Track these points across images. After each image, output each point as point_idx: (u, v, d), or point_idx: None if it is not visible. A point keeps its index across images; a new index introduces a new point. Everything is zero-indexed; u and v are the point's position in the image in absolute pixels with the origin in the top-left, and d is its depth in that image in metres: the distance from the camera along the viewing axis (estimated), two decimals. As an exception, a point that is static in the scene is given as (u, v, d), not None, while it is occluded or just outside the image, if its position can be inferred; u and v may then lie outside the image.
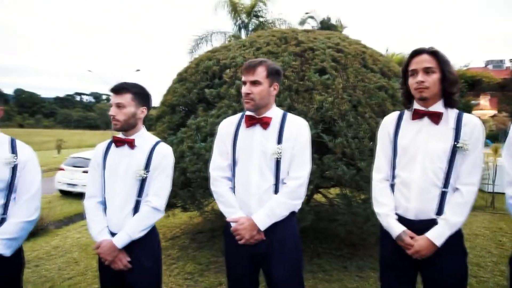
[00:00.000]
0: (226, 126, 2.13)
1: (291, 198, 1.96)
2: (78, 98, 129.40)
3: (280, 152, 1.95)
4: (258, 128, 2.02)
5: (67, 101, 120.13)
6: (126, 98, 1.97)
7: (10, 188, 1.89)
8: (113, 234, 2.00)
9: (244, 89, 1.97)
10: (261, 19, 16.17)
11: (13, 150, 1.93)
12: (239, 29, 16.18)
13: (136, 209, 2.00)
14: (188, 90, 4.32)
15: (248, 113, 2.06)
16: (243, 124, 2.07)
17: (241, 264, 2.06)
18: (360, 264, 4.21)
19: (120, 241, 1.93)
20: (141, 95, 2.03)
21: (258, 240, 1.95)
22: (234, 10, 16.08)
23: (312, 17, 19.34)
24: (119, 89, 1.97)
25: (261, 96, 1.97)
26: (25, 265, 2.08)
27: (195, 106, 4.28)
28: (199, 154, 3.74)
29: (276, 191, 1.99)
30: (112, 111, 1.96)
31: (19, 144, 1.98)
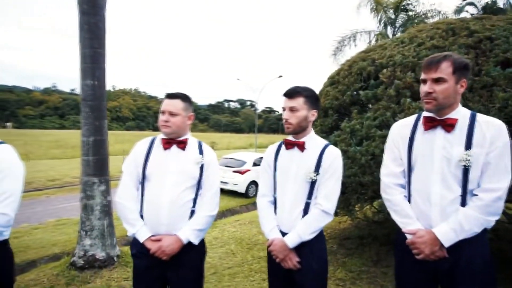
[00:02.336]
0: (400, 129, 1.97)
1: (485, 213, 1.67)
2: (226, 104, 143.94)
3: (469, 159, 1.69)
4: (439, 131, 1.80)
5: (217, 108, 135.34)
6: (299, 102, 2.01)
7: (199, 184, 2.15)
8: (282, 233, 2.07)
9: (425, 88, 1.78)
10: (410, 13, 14.86)
11: (201, 151, 2.20)
12: (385, 26, 15.24)
13: (305, 211, 2.03)
14: (341, 92, 4.25)
15: (426, 114, 1.86)
16: (420, 127, 1.87)
17: (416, 279, 1.87)
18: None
19: (291, 241, 1.99)
20: (312, 98, 2.05)
21: (439, 257, 1.73)
22: (378, 7, 15.23)
23: (471, 4, 16.81)
24: (292, 93, 2.02)
25: (446, 95, 1.74)
26: (206, 253, 2.35)
27: (348, 109, 4.18)
28: (354, 158, 3.62)
29: (463, 203, 1.73)
30: (285, 114, 2.03)
31: (204, 146, 2.25)
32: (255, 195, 13.11)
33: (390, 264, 4.30)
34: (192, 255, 2.13)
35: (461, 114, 1.79)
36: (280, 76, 32.47)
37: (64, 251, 6.76)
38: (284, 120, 2.05)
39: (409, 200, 1.89)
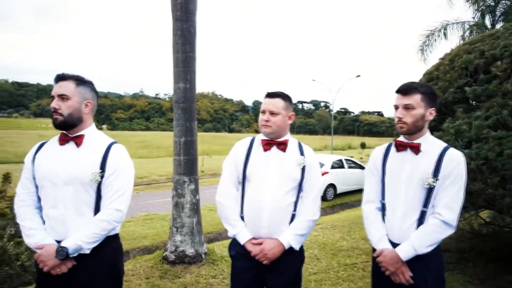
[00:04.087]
0: None
1: None
2: (300, 106, 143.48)
3: None
4: None
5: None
6: (415, 99, 1.81)
7: (300, 187, 2.05)
8: (392, 243, 1.88)
9: None
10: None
11: (301, 152, 2.09)
12: (482, 16, 13.65)
13: (421, 220, 1.82)
14: (442, 90, 3.84)
15: None
16: None
17: None
18: None
19: (405, 253, 1.79)
20: (430, 95, 1.83)
21: None
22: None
23: None
24: (407, 90, 1.82)
25: None
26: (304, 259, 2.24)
27: (451, 107, 3.76)
28: (462, 162, 3.22)
29: None
30: (399, 113, 1.84)
31: (305, 147, 2.15)
32: (333, 198, 12.78)
33: (502, 284, 3.77)
34: (292, 260, 2.05)
35: None
36: (358, 76, 31.22)
37: (153, 244, 7.24)
38: (396, 119, 1.85)
39: None
